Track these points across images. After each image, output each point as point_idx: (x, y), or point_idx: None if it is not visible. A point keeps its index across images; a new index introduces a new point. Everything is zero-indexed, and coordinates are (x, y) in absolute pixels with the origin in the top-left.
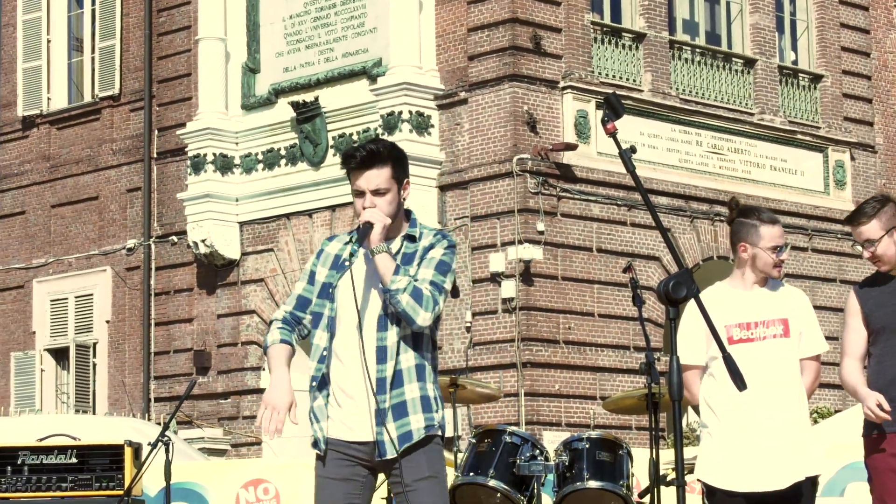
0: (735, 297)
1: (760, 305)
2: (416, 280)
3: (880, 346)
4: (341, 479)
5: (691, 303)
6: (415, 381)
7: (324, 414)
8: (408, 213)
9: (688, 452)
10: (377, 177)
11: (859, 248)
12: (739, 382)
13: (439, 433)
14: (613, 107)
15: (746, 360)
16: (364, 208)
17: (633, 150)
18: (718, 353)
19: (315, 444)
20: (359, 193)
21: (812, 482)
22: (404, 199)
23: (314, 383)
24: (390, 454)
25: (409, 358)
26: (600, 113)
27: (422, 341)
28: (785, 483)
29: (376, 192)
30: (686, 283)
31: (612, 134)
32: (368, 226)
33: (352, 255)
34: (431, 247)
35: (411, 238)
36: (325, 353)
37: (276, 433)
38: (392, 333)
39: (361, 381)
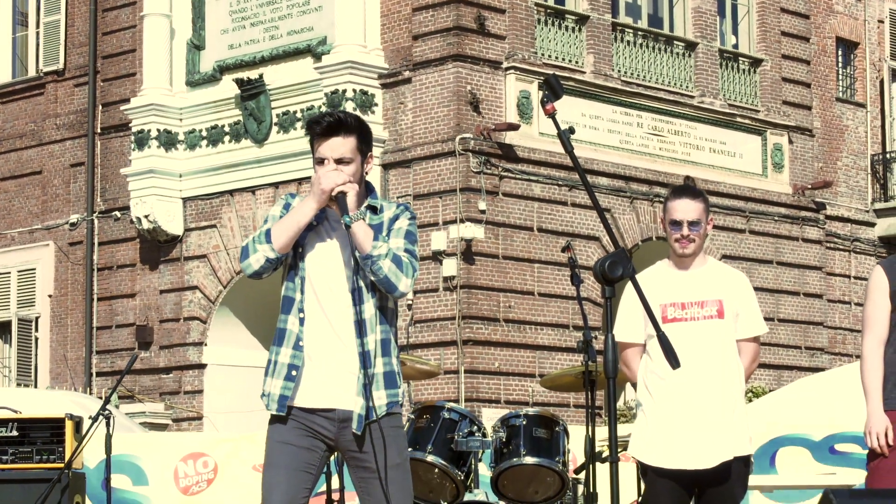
0: (672, 276)
1: (696, 286)
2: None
3: None
4: (303, 447)
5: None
6: (380, 357)
7: (294, 376)
8: (367, 185)
9: (623, 430)
10: (342, 145)
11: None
12: (673, 361)
13: (401, 410)
14: (553, 88)
15: (680, 340)
16: (322, 175)
17: (571, 130)
18: (654, 332)
19: (279, 402)
20: (320, 161)
21: (745, 462)
22: (367, 173)
23: (285, 336)
24: (358, 427)
25: (379, 331)
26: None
27: (387, 315)
28: (713, 462)
29: (340, 162)
30: (622, 262)
31: (552, 115)
32: (343, 195)
33: (347, 227)
34: (396, 217)
35: (373, 209)
36: (301, 314)
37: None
38: (369, 306)
39: (337, 350)
